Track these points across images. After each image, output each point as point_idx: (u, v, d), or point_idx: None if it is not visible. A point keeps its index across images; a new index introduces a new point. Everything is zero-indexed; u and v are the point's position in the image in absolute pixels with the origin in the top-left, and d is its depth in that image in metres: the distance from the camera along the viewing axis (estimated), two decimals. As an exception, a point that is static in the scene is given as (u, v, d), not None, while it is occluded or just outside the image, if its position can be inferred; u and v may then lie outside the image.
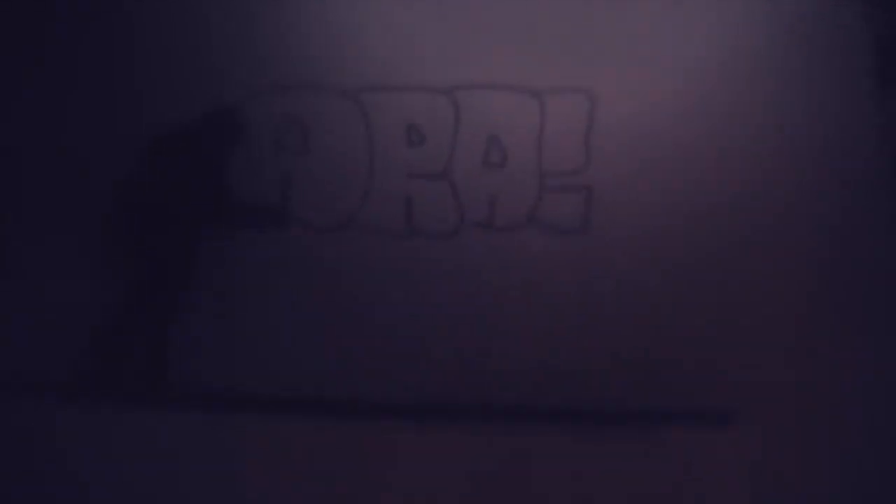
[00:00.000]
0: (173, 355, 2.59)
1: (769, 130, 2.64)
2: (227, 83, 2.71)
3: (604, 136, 2.64)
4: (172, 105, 2.71)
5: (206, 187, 2.68)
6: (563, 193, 2.62)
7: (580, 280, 2.58)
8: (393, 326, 2.57)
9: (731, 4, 2.72)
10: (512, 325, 2.56)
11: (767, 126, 2.64)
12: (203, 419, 2.52)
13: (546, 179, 2.63)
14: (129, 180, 2.68)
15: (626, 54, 2.68)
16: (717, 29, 2.71)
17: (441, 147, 2.66)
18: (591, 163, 2.63)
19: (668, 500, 2.46)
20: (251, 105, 2.70)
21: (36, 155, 2.71)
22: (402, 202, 2.64)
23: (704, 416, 2.50)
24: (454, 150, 2.65)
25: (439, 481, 2.48)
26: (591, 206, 2.61)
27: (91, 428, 2.53)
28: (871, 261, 2.58)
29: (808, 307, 2.56)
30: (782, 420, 2.50)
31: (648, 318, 2.56)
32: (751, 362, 2.53)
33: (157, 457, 2.50)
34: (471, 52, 2.69)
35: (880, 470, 2.47)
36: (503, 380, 2.54)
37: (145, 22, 2.75)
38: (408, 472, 2.49)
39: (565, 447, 2.49)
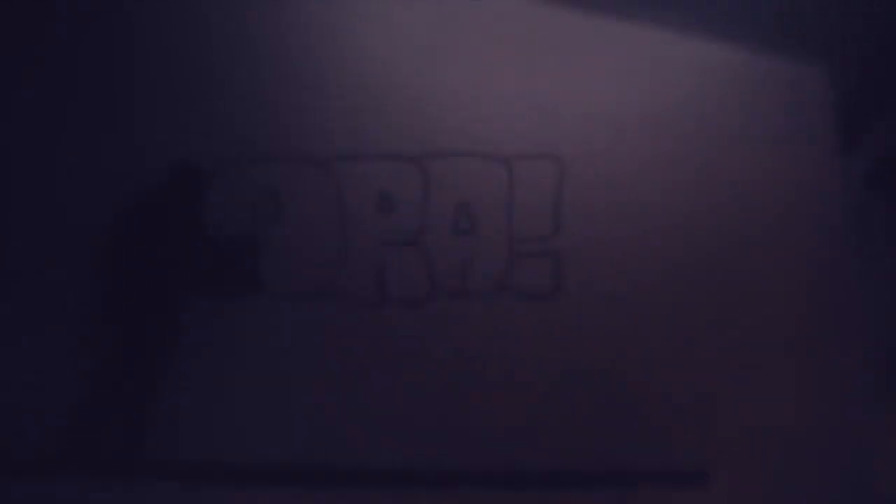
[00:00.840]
0: (151, 425, 2.57)
1: (738, 190, 2.69)
2: (199, 152, 2.72)
3: (572, 201, 2.68)
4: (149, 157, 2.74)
5: (181, 257, 2.69)
6: (533, 258, 2.65)
7: (552, 344, 2.59)
8: (367, 393, 2.56)
9: (697, 67, 2.79)
10: (485, 391, 2.56)
11: (736, 185, 2.69)
12: (182, 489, 2.49)
13: (516, 245, 2.66)
14: (102, 253, 2.69)
15: (593, 119, 2.74)
16: (683, 91, 2.77)
17: (412, 215, 2.69)
18: (560, 227, 2.67)
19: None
20: (224, 175, 2.72)
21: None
22: (373, 270, 2.66)
23: (682, 474, 2.51)
24: (425, 217, 2.68)
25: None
26: (561, 271, 2.64)
27: (71, 499, 2.50)
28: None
29: (777, 362, 2.60)
30: (758, 474, 2.51)
31: (621, 379, 2.56)
32: (727, 422, 2.54)
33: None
34: (439, 120, 2.73)
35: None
36: (480, 444, 2.53)
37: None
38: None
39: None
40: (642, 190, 2.69)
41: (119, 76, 2.79)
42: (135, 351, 2.65)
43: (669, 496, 2.49)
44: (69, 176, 2.73)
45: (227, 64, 2.77)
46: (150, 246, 2.71)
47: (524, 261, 2.65)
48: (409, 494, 2.49)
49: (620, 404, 2.55)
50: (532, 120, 2.73)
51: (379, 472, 2.52)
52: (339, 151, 2.71)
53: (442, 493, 2.50)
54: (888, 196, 2.89)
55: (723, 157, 2.73)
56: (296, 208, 2.70)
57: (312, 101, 2.77)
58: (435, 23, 2.84)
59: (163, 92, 2.78)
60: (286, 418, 2.57)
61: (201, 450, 2.54)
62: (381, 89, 2.77)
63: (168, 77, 2.78)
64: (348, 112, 2.75)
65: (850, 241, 2.68)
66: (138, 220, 2.72)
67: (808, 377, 2.57)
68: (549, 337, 2.60)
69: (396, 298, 2.64)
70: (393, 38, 2.76)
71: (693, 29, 2.82)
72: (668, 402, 2.56)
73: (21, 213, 2.71)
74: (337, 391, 2.58)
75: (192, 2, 2.80)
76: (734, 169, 2.72)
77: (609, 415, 2.55)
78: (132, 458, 2.57)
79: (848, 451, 2.51)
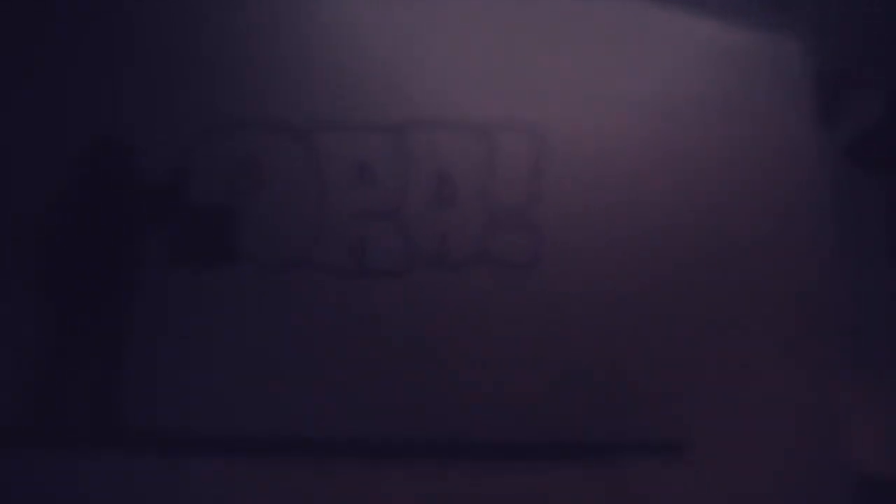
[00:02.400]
0: (125, 397, 2.55)
1: (716, 166, 2.69)
2: (177, 121, 2.71)
3: (552, 172, 2.68)
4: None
5: (156, 225, 2.67)
6: (513, 229, 2.65)
7: (531, 315, 2.59)
8: (345, 364, 2.56)
9: (677, 43, 2.79)
10: (464, 361, 2.56)
11: (714, 161, 2.69)
12: (156, 460, 2.49)
13: (496, 216, 2.66)
14: (70, 216, 2.67)
15: (575, 91, 2.73)
16: (663, 66, 2.77)
17: (391, 185, 2.67)
18: (540, 198, 2.66)
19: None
20: (202, 144, 2.69)
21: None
22: (352, 240, 2.64)
23: (660, 445, 2.52)
24: (404, 188, 2.67)
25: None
26: (540, 242, 2.64)
27: (43, 474, 2.47)
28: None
29: (754, 336, 2.61)
30: (735, 447, 2.52)
31: (598, 350, 2.57)
32: (705, 393, 2.55)
33: (109, 498, 2.46)
34: (420, 90, 2.72)
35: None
36: (458, 415, 2.53)
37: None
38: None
39: (521, 480, 2.48)
40: (620, 161, 2.69)
41: (99, 47, 2.80)
42: (107, 322, 2.62)
43: (650, 466, 2.50)
44: (38, 143, 2.71)
45: (209, 38, 2.76)
46: (125, 215, 2.69)
47: (503, 231, 2.65)
48: (388, 465, 2.49)
49: (599, 374, 2.55)
50: (513, 92, 2.72)
51: (357, 443, 2.51)
52: (318, 122, 2.69)
53: (420, 463, 2.49)
54: (867, 170, 2.89)
55: (700, 132, 2.73)
56: (274, 179, 2.68)
57: (292, 72, 2.75)
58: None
59: (145, 64, 2.77)
60: (262, 389, 2.55)
61: (177, 421, 2.52)
62: (361, 61, 2.75)
63: (153, 54, 2.78)
64: (327, 83, 2.73)
65: (830, 217, 2.69)
66: (114, 190, 2.70)
67: (784, 351, 2.58)
68: (527, 306, 2.60)
69: (375, 269, 2.63)
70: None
71: (672, 3, 2.81)
72: (649, 372, 2.56)
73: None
74: (314, 362, 2.57)
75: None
76: (712, 144, 2.72)
77: (590, 384, 2.55)
78: (105, 429, 2.55)
79: (827, 427, 2.52)
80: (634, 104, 2.73)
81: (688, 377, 2.56)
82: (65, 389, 2.58)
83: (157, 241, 2.66)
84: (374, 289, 2.61)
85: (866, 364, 2.78)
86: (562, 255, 2.62)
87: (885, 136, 2.95)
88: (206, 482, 2.48)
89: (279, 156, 2.69)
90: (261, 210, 2.67)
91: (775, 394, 2.55)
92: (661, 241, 2.64)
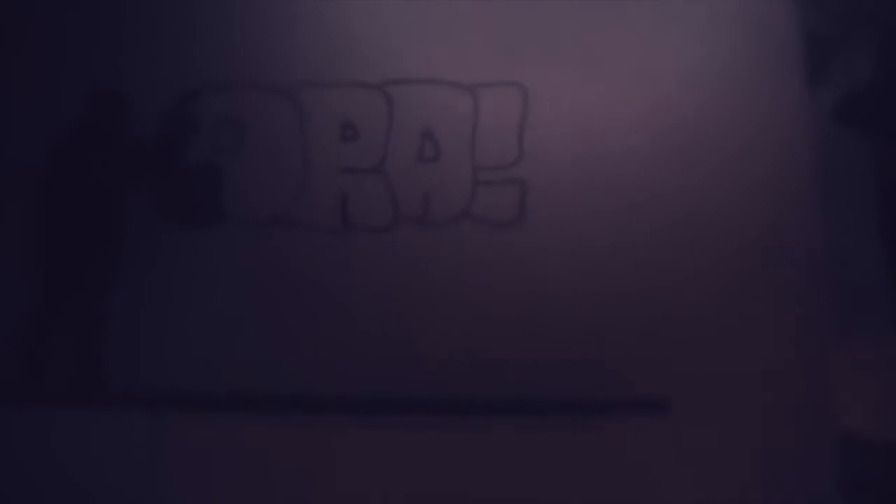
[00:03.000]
0: (108, 353, 2.57)
1: (698, 125, 2.67)
2: (162, 80, 2.70)
3: (537, 131, 2.66)
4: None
5: (139, 183, 2.67)
6: (497, 187, 2.64)
7: (515, 272, 2.59)
8: (329, 320, 2.57)
9: (663, 5, 2.75)
10: (447, 319, 2.56)
11: (696, 121, 2.67)
12: (140, 417, 2.50)
13: (480, 173, 2.65)
14: (57, 176, 2.68)
15: (560, 50, 2.71)
16: (648, 28, 2.74)
17: (375, 142, 2.67)
18: (524, 157, 2.66)
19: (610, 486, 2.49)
20: (187, 103, 2.69)
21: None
22: (336, 197, 2.64)
23: (644, 404, 2.52)
24: (388, 145, 2.66)
25: (379, 473, 2.48)
26: (524, 200, 2.63)
27: (27, 429, 2.50)
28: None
29: (740, 295, 2.60)
30: (719, 406, 2.52)
31: (582, 308, 2.56)
32: (688, 351, 2.54)
33: (96, 455, 2.48)
34: (404, 47, 2.70)
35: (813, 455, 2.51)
36: (441, 371, 2.53)
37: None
38: (351, 465, 2.48)
39: (504, 437, 2.49)
40: (604, 119, 2.67)
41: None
42: (91, 279, 2.64)
43: (633, 424, 2.50)
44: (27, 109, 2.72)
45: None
46: (111, 174, 2.69)
47: (488, 188, 2.64)
48: (368, 421, 2.50)
49: (583, 331, 2.55)
50: (497, 49, 2.70)
51: (340, 399, 2.52)
52: (303, 79, 2.68)
53: (400, 419, 2.50)
54: (854, 131, 2.88)
55: (687, 92, 2.70)
56: (259, 136, 2.68)
57: (277, 29, 2.74)
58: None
59: (129, 23, 2.78)
60: (248, 345, 2.57)
61: (163, 378, 2.54)
62: (347, 18, 2.73)
63: (142, 15, 2.79)
64: (312, 40, 2.72)
65: (816, 177, 2.66)
66: (100, 151, 2.71)
67: (770, 312, 2.58)
68: (512, 264, 2.59)
69: (359, 226, 2.63)
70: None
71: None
72: (633, 331, 2.56)
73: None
74: (299, 318, 2.58)
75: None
76: (700, 104, 2.70)
77: (573, 342, 2.55)
78: (90, 386, 2.57)
79: (810, 387, 2.52)
80: (618, 64, 2.71)
81: (672, 337, 2.55)
82: (50, 350, 2.59)
83: (145, 201, 2.67)
84: (358, 245, 2.61)
85: (853, 327, 2.79)
86: (546, 213, 2.62)
87: (875, 98, 2.93)
88: (192, 440, 2.49)
89: (263, 113, 2.69)
90: (245, 167, 2.66)
91: (761, 355, 2.54)
92: (648, 202, 2.63)
